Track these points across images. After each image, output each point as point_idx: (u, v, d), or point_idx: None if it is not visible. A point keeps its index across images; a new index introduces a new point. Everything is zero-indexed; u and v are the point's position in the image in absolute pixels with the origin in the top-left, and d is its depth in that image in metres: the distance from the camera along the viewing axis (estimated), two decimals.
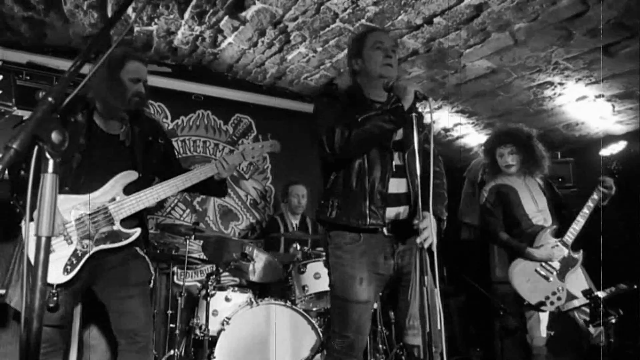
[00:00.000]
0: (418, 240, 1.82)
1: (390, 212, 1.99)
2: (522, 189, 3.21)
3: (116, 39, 3.27)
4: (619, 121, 4.50)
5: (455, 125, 5.07)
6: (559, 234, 3.06)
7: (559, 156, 4.44)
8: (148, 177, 2.26)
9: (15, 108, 2.76)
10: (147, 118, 2.45)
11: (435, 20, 3.24)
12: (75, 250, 2.05)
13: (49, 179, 0.86)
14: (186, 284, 3.59)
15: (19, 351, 0.84)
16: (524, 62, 3.76)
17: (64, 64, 3.73)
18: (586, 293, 2.62)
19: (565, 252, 3.01)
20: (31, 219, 0.94)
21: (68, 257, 2.02)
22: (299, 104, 4.80)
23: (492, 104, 4.55)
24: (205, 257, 3.68)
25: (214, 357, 3.00)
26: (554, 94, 4.22)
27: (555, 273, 2.97)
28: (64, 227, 2.03)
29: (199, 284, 3.96)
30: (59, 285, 2.00)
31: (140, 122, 2.34)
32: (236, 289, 3.48)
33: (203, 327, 3.17)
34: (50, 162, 0.87)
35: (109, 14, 3.29)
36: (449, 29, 3.35)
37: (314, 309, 3.41)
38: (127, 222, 2.17)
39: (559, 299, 2.91)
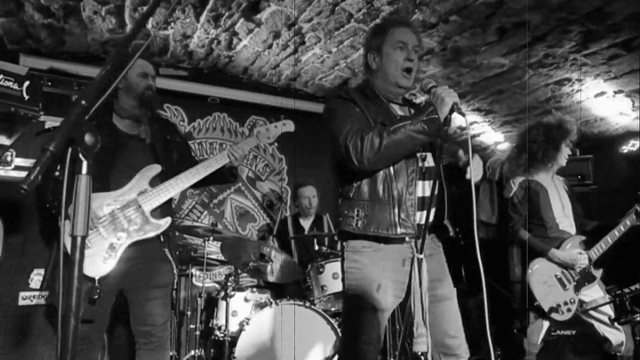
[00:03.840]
0: (467, 175, 1.78)
1: (417, 216, 1.85)
2: (552, 189, 3.06)
3: (134, 44, 3.32)
4: (639, 117, 4.43)
5: (472, 123, 5.03)
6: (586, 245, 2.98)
7: (578, 153, 4.38)
8: (171, 172, 2.32)
9: (42, 113, 2.81)
10: (162, 119, 2.53)
11: (451, 18, 3.23)
12: (112, 243, 2.10)
13: (83, 180, 0.88)
14: (205, 285, 3.61)
15: (57, 349, 0.86)
16: (540, 59, 3.72)
17: (83, 70, 3.80)
18: (610, 290, 2.57)
19: (587, 264, 2.91)
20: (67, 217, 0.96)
21: (105, 251, 2.08)
22: (314, 105, 4.81)
23: (509, 101, 4.50)
24: (223, 259, 3.71)
25: (234, 357, 3.03)
26: (572, 90, 4.17)
27: (573, 283, 2.89)
28: (97, 222, 2.09)
29: (217, 285, 3.99)
30: (100, 279, 2.07)
31: (157, 122, 2.42)
32: (255, 289, 3.51)
33: (223, 327, 3.20)
34: (84, 164, 0.89)
35: (127, 20, 3.34)
36: (465, 27, 3.33)
37: (333, 309, 3.41)
38: (156, 215, 2.23)
39: (568, 310, 2.82)
